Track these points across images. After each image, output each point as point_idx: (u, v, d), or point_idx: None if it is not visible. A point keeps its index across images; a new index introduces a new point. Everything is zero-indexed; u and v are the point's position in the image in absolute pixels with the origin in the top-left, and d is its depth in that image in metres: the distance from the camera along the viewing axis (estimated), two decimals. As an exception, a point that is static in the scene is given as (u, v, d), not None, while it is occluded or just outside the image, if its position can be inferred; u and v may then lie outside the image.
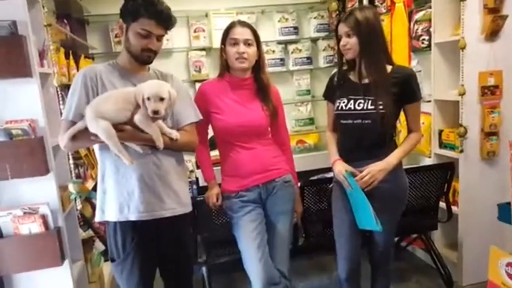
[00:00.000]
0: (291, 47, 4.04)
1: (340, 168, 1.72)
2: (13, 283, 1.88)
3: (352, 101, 1.71)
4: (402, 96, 1.67)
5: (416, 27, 2.62)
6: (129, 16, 1.48)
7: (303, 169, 2.28)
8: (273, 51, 3.97)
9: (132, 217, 1.52)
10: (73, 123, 1.46)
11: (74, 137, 1.45)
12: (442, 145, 2.51)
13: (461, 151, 2.29)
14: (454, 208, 2.41)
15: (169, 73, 1.68)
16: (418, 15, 2.62)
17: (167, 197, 1.56)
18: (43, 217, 1.82)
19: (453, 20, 2.37)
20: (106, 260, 2.81)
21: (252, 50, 1.73)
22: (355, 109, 1.69)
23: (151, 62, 1.58)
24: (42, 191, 1.83)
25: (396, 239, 2.93)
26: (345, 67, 1.80)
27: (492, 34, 2.18)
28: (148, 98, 1.38)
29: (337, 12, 3.75)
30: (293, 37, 4.02)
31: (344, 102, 1.72)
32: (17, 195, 1.81)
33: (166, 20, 1.50)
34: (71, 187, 1.98)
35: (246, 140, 1.78)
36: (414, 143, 1.75)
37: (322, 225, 2.22)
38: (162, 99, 1.40)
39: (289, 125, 3.98)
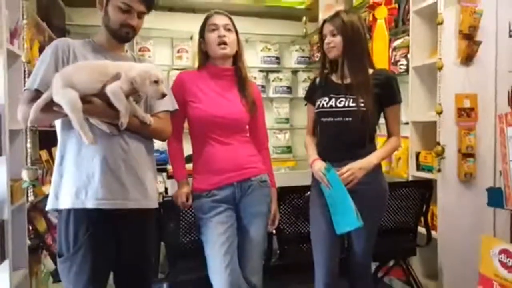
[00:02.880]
0: (272, 76, 4.10)
1: (320, 166, 1.65)
2: None
3: (333, 99, 1.68)
4: (382, 97, 1.67)
5: (394, 53, 2.70)
6: None
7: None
8: (255, 78, 4.01)
9: (89, 204, 1.36)
10: (37, 93, 1.33)
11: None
12: (419, 167, 2.50)
13: (439, 170, 2.27)
14: (433, 233, 2.34)
15: (146, 59, 1.62)
16: (396, 43, 2.71)
17: (131, 186, 1.42)
18: (-13, 206, 1.63)
19: (429, 45, 2.46)
20: (55, 281, 2.53)
21: (233, 36, 1.69)
22: (336, 107, 1.66)
23: (129, 40, 1.51)
24: (-10, 177, 1.66)
25: (373, 266, 2.81)
26: (327, 71, 1.79)
27: (467, 58, 2.24)
28: (156, 82, 1.35)
29: (318, 45, 3.85)
30: (274, 66, 4.10)
31: (325, 100, 1.70)
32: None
33: None
34: (24, 174, 1.78)
35: (222, 134, 1.69)
36: (394, 146, 1.73)
37: (299, 240, 2.08)
38: (162, 82, 1.38)
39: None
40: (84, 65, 1.36)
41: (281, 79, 4.14)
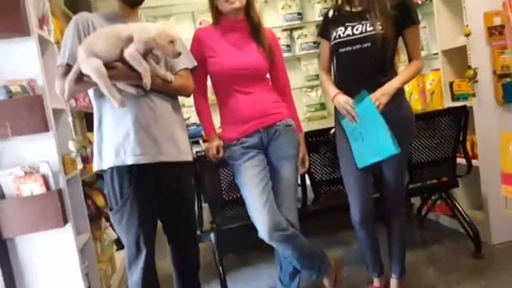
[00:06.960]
0: (296, 33, 4.04)
1: (345, 99, 1.65)
2: (16, 247, 1.85)
3: (350, 28, 1.65)
4: (399, 19, 1.62)
5: (416, -17, 2.57)
6: None
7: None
8: (279, 38, 3.96)
9: (129, 160, 1.48)
10: (69, 67, 1.45)
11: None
12: (454, 97, 2.40)
13: (473, 94, 2.18)
14: (475, 162, 2.27)
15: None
16: (417, -28, 2.57)
17: (163, 141, 1.52)
18: (44, 177, 1.81)
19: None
20: (118, 249, 2.77)
21: None
22: (353, 34, 1.64)
23: (139, 3, 1.58)
24: (42, 151, 1.81)
25: (418, 204, 2.79)
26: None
27: (493, -29, 2.09)
28: (172, 42, 1.41)
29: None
30: (297, 22, 4.02)
31: (341, 30, 1.67)
32: (17, 155, 1.80)
33: None
34: (71, 145, 1.94)
35: (243, 84, 1.73)
36: (416, 69, 1.69)
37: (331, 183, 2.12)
38: (177, 41, 1.45)
39: (301, 111, 3.91)
40: (100, 33, 1.44)
41: (306, 35, 4.05)
